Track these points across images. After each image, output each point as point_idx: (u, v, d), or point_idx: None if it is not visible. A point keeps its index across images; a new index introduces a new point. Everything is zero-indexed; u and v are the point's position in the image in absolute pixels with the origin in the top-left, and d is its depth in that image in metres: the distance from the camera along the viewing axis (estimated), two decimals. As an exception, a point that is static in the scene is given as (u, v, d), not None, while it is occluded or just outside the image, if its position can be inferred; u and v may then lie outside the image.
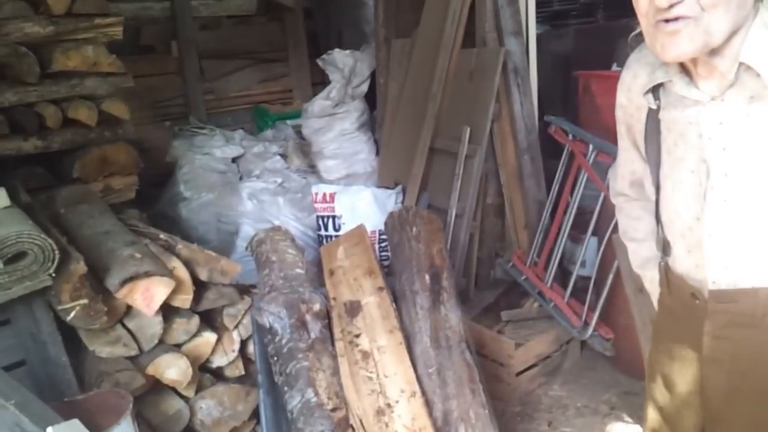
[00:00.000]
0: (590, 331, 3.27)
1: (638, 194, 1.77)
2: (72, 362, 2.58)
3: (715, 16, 1.24)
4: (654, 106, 1.49)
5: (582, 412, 3.24)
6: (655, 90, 1.49)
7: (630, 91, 1.58)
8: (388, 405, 2.44)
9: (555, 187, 3.80)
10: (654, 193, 1.59)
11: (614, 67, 4.35)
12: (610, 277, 3.23)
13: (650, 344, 1.79)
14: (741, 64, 1.31)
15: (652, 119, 1.52)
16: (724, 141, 1.36)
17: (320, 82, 6.09)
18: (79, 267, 2.49)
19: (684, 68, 1.41)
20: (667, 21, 1.25)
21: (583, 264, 3.52)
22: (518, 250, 4.19)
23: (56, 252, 2.42)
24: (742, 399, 1.48)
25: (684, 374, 1.58)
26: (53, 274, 2.42)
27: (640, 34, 1.39)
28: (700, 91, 1.38)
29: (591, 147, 3.38)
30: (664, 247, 1.59)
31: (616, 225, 3.07)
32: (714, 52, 1.30)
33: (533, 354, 3.39)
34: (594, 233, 3.44)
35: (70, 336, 2.60)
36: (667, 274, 1.60)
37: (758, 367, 1.44)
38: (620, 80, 1.62)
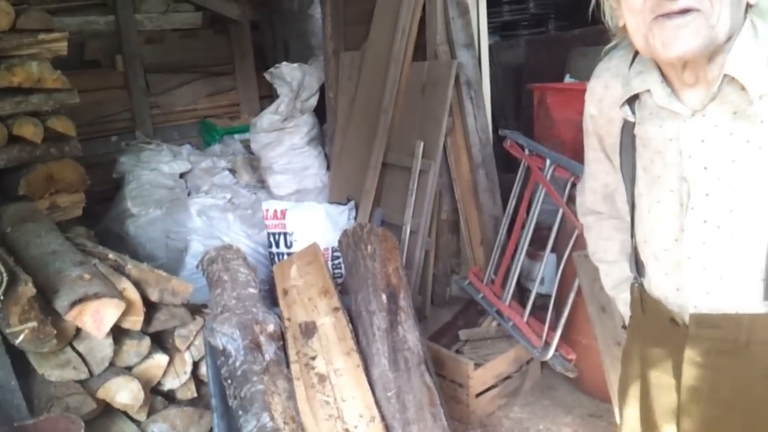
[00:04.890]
0: (551, 351, 3.19)
1: (611, 210, 1.70)
2: (21, 386, 2.52)
3: (723, 12, 1.18)
4: (632, 119, 1.41)
5: (544, 435, 3.17)
6: (630, 102, 1.40)
7: (601, 102, 1.50)
8: (347, 430, 2.37)
9: (511, 203, 3.74)
10: (628, 211, 1.52)
11: (567, 79, 4.35)
12: (571, 295, 3.16)
13: (621, 369, 1.70)
14: (725, 75, 1.24)
15: (627, 134, 1.44)
16: (706, 160, 1.29)
17: (268, 95, 6.07)
18: (28, 289, 2.43)
19: (665, 77, 1.33)
20: (667, 16, 1.19)
21: (541, 282, 3.45)
22: (475, 267, 4.12)
23: (4, 274, 2.37)
24: (721, 431, 1.41)
25: (660, 402, 1.50)
26: (1, 297, 2.35)
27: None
28: (682, 104, 1.31)
29: (548, 162, 3.35)
30: (638, 268, 1.52)
31: (575, 242, 3.10)
32: (711, 54, 1.24)
33: (493, 375, 3.30)
34: (553, 250, 3.39)
35: (18, 359, 2.54)
36: (641, 296, 1.53)
37: (739, 399, 1.37)
38: (589, 90, 1.53)
